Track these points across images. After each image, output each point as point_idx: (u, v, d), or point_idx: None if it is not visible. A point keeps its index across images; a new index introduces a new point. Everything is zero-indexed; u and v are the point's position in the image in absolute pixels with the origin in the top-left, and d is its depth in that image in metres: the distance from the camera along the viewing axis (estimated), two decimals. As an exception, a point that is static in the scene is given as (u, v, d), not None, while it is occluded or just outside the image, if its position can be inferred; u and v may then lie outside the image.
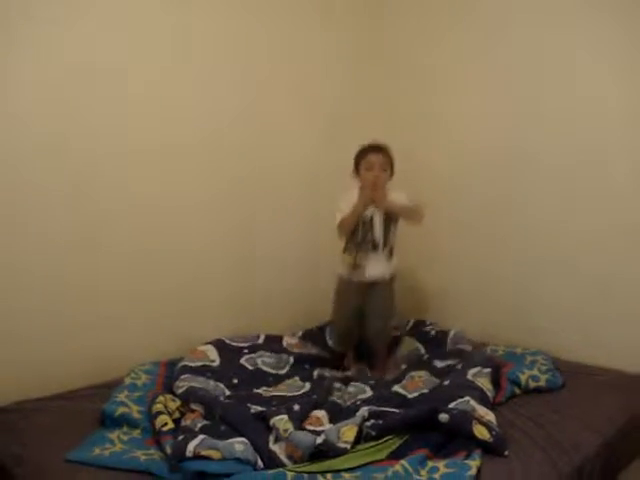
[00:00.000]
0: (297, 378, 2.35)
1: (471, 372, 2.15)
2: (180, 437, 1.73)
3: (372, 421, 1.86)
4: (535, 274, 2.62)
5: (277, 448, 1.74)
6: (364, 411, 1.90)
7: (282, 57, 2.75)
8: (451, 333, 2.66)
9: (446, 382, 2.12)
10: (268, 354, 2.46)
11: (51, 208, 2.13)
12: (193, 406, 1.96)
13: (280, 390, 2.23)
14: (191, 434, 1.74)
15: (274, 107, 2.73)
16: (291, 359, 2.48)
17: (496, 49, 2.66)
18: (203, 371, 2.21)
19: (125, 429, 1.87)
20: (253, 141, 2.67)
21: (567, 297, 2.52)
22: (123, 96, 2.25)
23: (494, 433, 1.77)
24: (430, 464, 1.65)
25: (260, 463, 1.69)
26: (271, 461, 1.69)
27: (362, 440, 1.82)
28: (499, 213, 2.73)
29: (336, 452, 1.73)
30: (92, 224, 2.23)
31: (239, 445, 1.70)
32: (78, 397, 2.07)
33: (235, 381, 2.24)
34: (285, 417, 1.83)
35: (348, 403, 2.09)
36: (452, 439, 1.78)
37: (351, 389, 2.22)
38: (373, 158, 2.44)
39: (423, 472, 1.62)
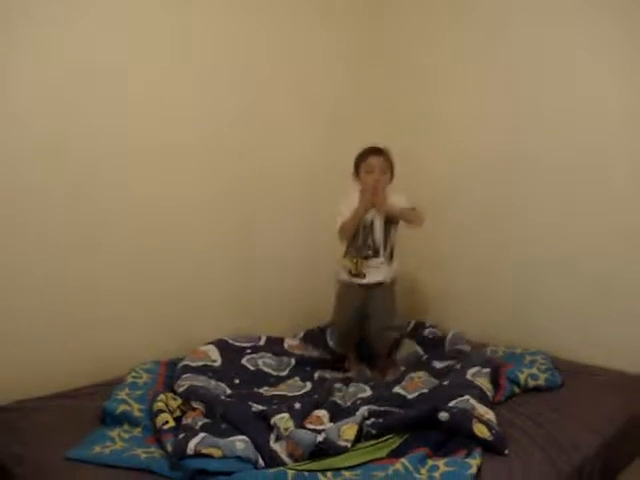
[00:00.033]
0: (297, 378, 2.35)
1: (470, 372, 2.16)
2: (181, 435, 1.73)
3: (372, 420, 1.86)
4: (535, 275, 2.62)
5: (278, 447, 1.75)
6: (364, 410, 1.90)
7: (282, 57, 2.75)
8: (450, 334, 2.66)
9: (445, 382, 2.13)
10: (269, 356, 2.46)
11: (51, 208, 2.13)
12: (194, 404, 1.97)
13: (281, 390, 2.23)
14: (192, 432, 1.74)
15: (274, 107, 2.73)
16: (292, 361, 2.49)
17: (496, 49, 2.67)
18: (204, 370, 2.21)
19: (126, 427, 1.87)
20: (253, 141, 2.67)
21: (567, 297, 2.52)
22: (123, 96, 2.25)
23: (494, 432, 1.77)
24: (430, 462, 1.65)
25: (261, 462, 1.69)
26: (272, 460, 1.69)
27: (362, 439, 1.82)
28: (499, 215, 2.73)
29: (336, 450, 1.73)
30: (92, 224, 2.23)
31: (240, 443, 1.70)
32: (78, 395, 2.07)
33: (236, 381, 2.24)
34: (286, 415, 1.83)
35: (348, 403, 2.09)
36: (452, 438, 1.78)
37: (351, 389, 2.22)
38: (373, 161, 2.44)
39: (423, 470, 1.62)
